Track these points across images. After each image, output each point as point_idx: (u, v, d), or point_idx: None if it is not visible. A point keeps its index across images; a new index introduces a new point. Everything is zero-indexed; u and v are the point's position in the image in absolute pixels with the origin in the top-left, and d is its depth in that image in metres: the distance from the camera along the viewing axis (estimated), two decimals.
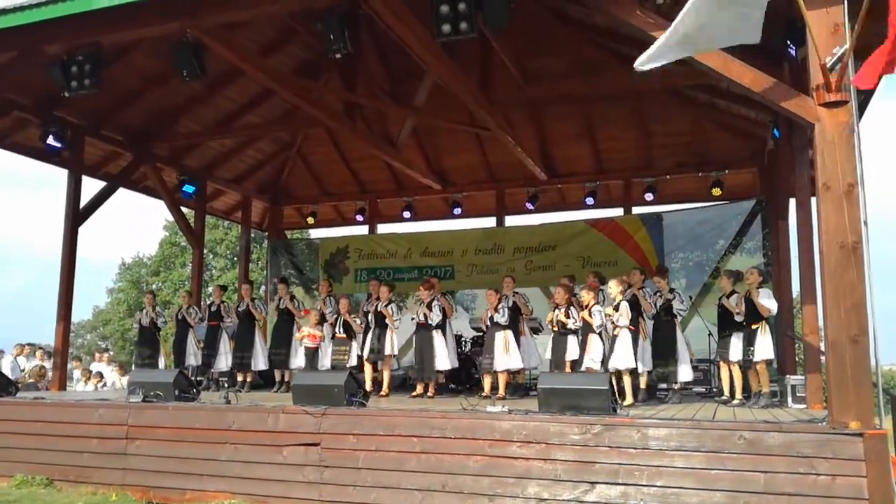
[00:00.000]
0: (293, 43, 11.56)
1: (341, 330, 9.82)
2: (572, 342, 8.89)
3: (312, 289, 15.13)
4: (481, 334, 10.76)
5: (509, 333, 9.31)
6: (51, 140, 10.76)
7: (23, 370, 12.84)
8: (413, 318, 9.92)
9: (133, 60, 10.54)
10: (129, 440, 7.37)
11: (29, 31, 7.47)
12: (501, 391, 9.12)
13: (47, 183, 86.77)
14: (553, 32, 10.93)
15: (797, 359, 10.74)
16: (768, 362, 8.22)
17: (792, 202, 9.28)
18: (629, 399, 8.10)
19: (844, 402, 5.27)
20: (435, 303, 9.66)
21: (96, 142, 12.02)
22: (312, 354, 10.03)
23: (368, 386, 9.50)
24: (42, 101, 10.64)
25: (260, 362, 10.88)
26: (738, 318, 8.22)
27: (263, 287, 17.37)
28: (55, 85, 8.59)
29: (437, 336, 9.56)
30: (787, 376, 8.73)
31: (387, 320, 9.59)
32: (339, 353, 9.78)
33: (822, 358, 7.27)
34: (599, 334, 8.58)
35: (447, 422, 6.32)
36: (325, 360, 10.02)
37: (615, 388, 7.72)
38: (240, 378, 10.89)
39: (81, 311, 38.29)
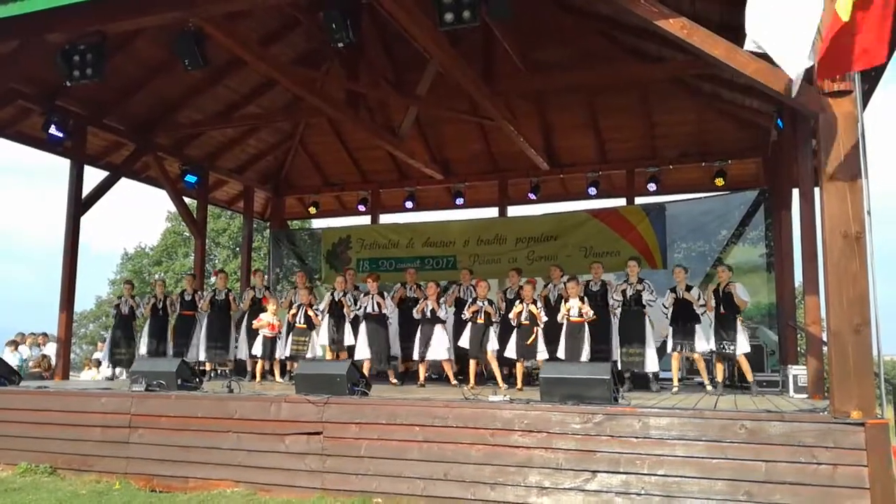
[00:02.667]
0: (295, 32, 11.54)
1: (302, 320, 9.85)
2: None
3: (315, 279, 15.15)
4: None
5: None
6: (53, 130, 10.78)
7: (25, 359, 12.87)
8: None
9: (135, 50, 10.54)
10: (132, 429, 7.39)
11: (31, 20, 7.44)
12: (499, 381, 9.24)
13: (50, 173, 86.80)
14: (556, 21, 10.90)
15: (798, 349, 10.74)
16: (770, 352, 8.41)
17: (795, 192, 9.29)
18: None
19: (846, 391, 5.27)
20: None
21: (99, 131, 12.03)
22: (270, 343, 10.01)
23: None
24: (45, 90, 10.64)
25: (240, 351, 10.88)
26: (700, 311, 8.56)
27: (268, 276, 17.36)
28: (58, 74, 8.58)
29: (439, 328, 9.62)
30: (789, 366, 8.76)
31: (344, 310, 9.79)
32: (299, 343, 9.81)
33: (824, 348, 7.31)
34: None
35: (449, 411, 6.33)
36: (285, 350, 10.04)
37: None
38: (208, 367, 10.92)
39: (84, 301, 38.42)
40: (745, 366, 8.46)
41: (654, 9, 6.01)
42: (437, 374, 10.74)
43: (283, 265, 15.96)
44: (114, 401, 7.64)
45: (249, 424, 6.93)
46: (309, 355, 9.75)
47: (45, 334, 13.67)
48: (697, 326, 8.58)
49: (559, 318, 8.85)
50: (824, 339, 7.17)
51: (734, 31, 7.31)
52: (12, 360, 11.90)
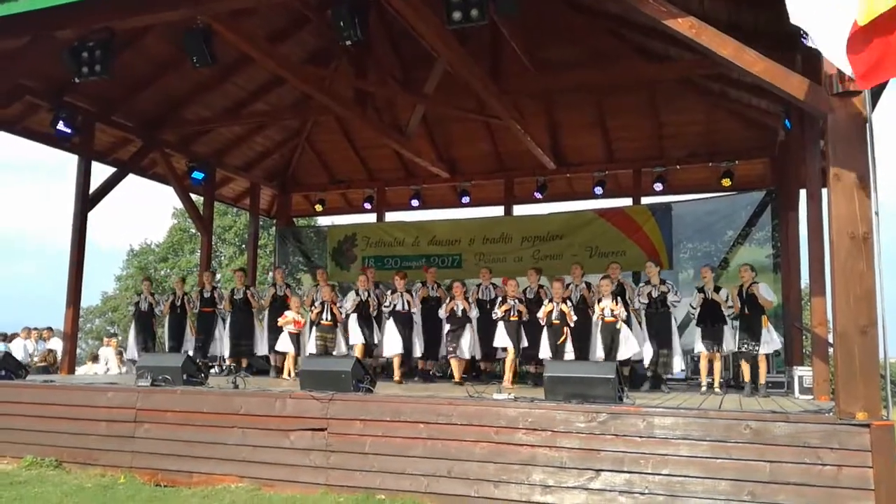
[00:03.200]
0: (303, 30, 11.56)
1: (328, 317, 9.86)
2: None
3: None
4: None
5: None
6: (61, 126, 10.83)
7: (31, 353, 12.93)
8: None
9: (144, 47, 10.58)
10: (137, 423, 7.42)
11: (41, 17, 7.49)
12: (508, 376, 9.24)
13: (59, 170, 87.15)
14: (565, 20, 10.88)
15: (804, 350, 10.71)
16: (776, 354, 8.36)
17: (802, 193, 9.24)
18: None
19: (852, 392, 5.25)
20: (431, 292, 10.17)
21: (106, 128, 12.08)
22: (296, 339, 10.05)
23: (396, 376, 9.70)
24: (53, 86, 10.69)
25: (261, 348, 10.93)
26: (728, 312, 8.47)
27: (271, 274, 17.40)
28: (66, 71, 8.62)
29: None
30: (795, 367, 8.74)
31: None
32: (326, 339, 9.82)
33: (830, 349, 7.29)
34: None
35: (454, 408, 6.34)
36: (309, 346, 10.02)
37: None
38: (230, 363, 10.96)
39: (90, 297, 38.48)
40: (763, 367, 8.29)
41: (663, 8, 6.00)
42: (441, 373, 10.75)
43: (288, 262, 15.98)
44: (119, 395, 7.68)
45: (254, 420, 6.96)
46: (336, 353, 9.75)
47: (49, 329, 13.73)
48: (725, 328, 8.52)
49: (595, 318, 8.83)
50: (830, 340, 7.16)
51: (742, 31, 7.32)
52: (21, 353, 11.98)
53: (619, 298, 8.85)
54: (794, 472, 5.30)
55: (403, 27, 8.83)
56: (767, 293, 8.30)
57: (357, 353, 9.58)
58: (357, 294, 9.98)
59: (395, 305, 9.73)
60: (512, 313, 9.11)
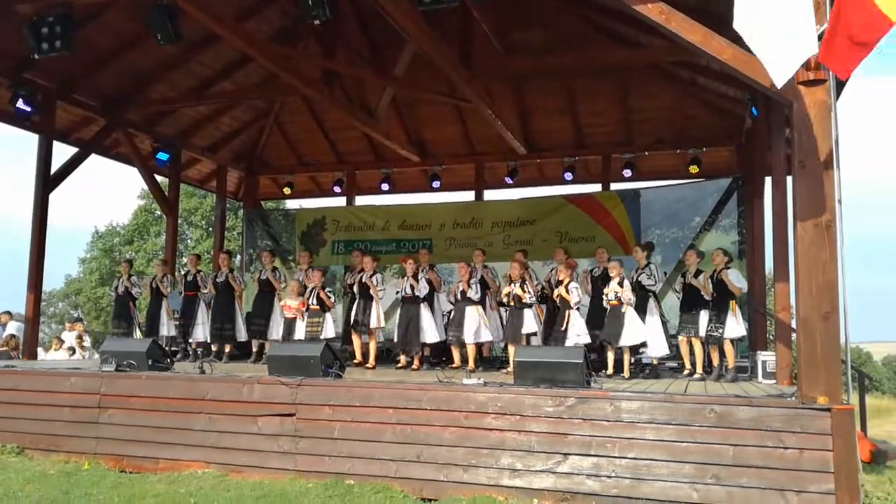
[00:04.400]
0: (270, 8, 11.36)
1: (315, 302, 9.80)
2: (528, 316, 8.98)
3: (289, 260, 15.05)
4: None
5: (479, 308, 9.38)
6: (20, 104, 10.51)
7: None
8: (398, 292, 9.86)
9: (106, 23, 10.29)
10: (101, 409, 7.31)
11: None
12: (471, 364, 9.14)
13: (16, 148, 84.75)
14: (536, 4, 10.84)
15: (768, 335, 10.92)
16: (739, 339, 8.47)
17: (768, 181, 9.37)
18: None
19: (814, 377, 5.36)
20: (421, 275, 9.71)
21: (68, 106, 11.74)
22: (291, 324, 10.01)
23: (358, 356, 9.61)
24: (12, 63, 10.35)
25: (242, 333, 10.84)
26: (707, 297, 8.46)
27: (239, 257, 17.19)
28: (26, 47, 8.36)
29: (423, 309, 9.57)
30: (758, 352, 8.89)
31: (371, 291, 9.57)
32: (313, 325, 9.76)
33: (793, 335, 7.43)
34: (578, 310, 8.72)
35: (423, 393, 6.35)
36: (300, 333, 9.98)
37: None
38: (214, 348, 10.83)
39: (53, 280, 37.81)
40: (729, 351, 8.37)
41: None
42: (435, 359, 10.71)
43: (256, 246, 15.79)
44: (83, 380, 7.55)
45: (221, 406, 6.89)
46: (322, 336, 9.61)
47: (8, 312, 13.36)
48: (703, 311, 8.51)
49: (605, 301, 8.79)
50: (793, 325, 7.30)
51: (711, 17, 7.34)
52: None
53: (624, 282, 8.69)
54: (757, 455, 5.40)
55: (373, 7, 8.69)
56: (738, 280, 8.37)
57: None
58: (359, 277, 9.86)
59: (404, 290, 9.63)
60: (511, 298, 9.05)
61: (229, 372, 7.82)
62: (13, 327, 12.65)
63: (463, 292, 9.37)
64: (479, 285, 9.46)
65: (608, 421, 5.82)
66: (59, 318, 36.84)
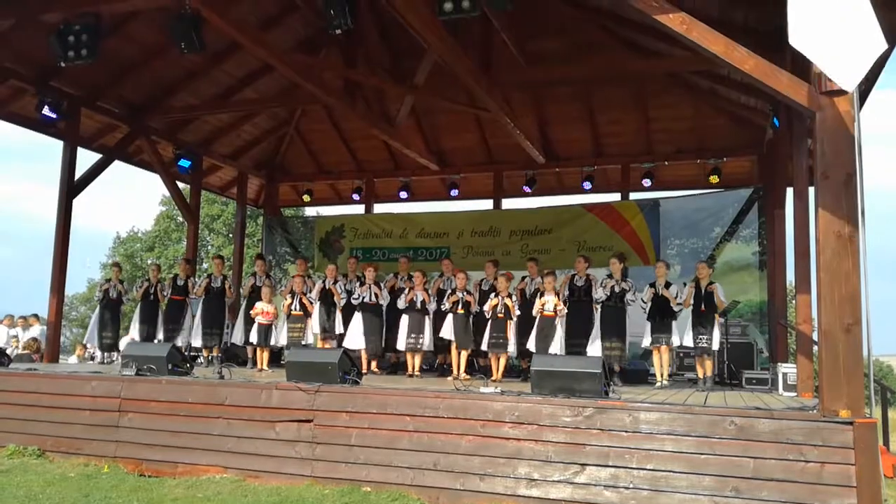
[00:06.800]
0: (293, 18, 11.46)
1: (297, 307, 9.84)
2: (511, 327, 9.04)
3: (308, 267, 15.10)
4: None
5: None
6: (46, 110, 10.70)
7: (13, 337, 12.78)
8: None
9: (131, 32, 10.45)
10: (121, 413, 7.37)
11: None
12: (456, 371, 9.20)
13: (41, 155, 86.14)
14: (556, 14, 10.86)
15: (789, 347, 10.79)
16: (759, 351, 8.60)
17: (789, 191, 9.30)
18: None
19: (836, 390, 5.29)
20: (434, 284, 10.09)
21: (93, 113, 11.94)
22: (265, 331, 9.83)
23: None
24: (39, 70, 10.55)
25: (237, 337, 10.80)
26: (685, 308, 8.73)
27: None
28: (52, 55, 8.50)
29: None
30: (779, 364, 8.81)
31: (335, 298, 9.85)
32: (295, 330, 9.80)
33: (815, 347, 7.34)
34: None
35: (440, 401, 6.33)
36: (281, 338, 9.97)
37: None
38: (205, 353, 10.87)
39: (76, 285, 38.27)
40: (709, 362, 8.80)
41: (655, 3, 5.97)
42: (427, 366, 10.74)
43: (276, 252, 15.92)
44: (103, 384, 7.61)
45: (240, 411, 6.92)
46: (304, 342, 9.72)
47: (35, 315, 13.58)
48: (673, 322, 8.75)
49: (534, 311, 8.87)
50: (815, 337, 7.21)
51: (733, 28, 7.32)
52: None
53: (559, 296, 8.88)
54: (778, 468, 5.33)
55: (394, 17, 8.75)
56: (723, 295, 8.75)
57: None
58: (323, 283, 10.09)
59: (363, 297, 9.75)
60: (459, 305, 9.15)
61: (247, 377, 7.85)
62: (36, 330, 12.83)
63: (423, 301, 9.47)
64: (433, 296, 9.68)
65: (626, 432, 5.77)
66: (81, 321, 37.21)
